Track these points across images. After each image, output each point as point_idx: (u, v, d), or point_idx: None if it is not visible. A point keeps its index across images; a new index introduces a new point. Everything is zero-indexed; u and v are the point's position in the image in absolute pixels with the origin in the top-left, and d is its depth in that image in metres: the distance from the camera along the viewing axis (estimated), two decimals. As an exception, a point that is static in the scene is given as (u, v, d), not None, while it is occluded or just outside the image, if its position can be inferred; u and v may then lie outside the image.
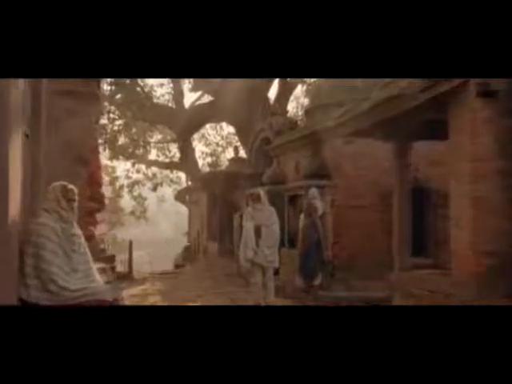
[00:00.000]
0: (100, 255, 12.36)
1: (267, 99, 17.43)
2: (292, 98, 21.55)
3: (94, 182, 6.25)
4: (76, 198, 3.55)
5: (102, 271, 7.27)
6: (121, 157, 22.72)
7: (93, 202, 6.26)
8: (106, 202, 24.98)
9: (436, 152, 9.26)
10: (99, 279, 3.59)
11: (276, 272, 7.20)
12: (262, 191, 7.10)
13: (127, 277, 11.23)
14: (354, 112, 6.80)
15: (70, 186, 3.53)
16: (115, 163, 24.03)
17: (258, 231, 6.78)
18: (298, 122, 12.36)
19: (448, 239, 9.67)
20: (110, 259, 12.73)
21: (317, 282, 8.29)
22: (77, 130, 5.73)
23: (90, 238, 6.44)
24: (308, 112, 11.10)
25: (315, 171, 9.33)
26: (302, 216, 8.62)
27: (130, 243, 12.70)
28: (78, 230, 3.54)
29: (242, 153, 17.02)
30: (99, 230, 22.51)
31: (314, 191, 8.58)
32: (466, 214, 5.30)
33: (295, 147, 10.54)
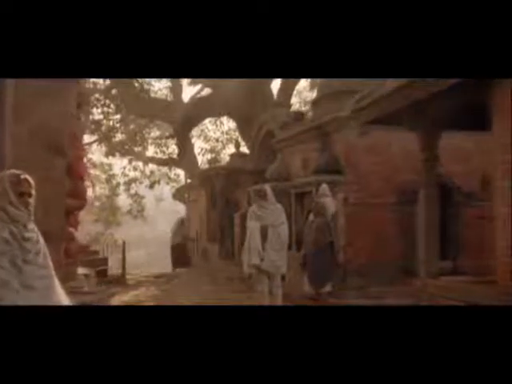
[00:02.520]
0: (92, 257, 11.58)
1: (270, 91, 16.63)
2: (295, 92, 20.78)
3: (74, 175, 5.41)
4: (32, 191, 2.69)
5: (85, 278, 6.48)
6: (117, 154, 21.95)
7: (73, 199, 5.41)
8: (104, 199, 24.25)
9: (460, 146, 8.47)
10: (63, 299, 2.73)
11: (282, 278, 6.44)
12: (268, 187, 6.33)
13: (120, 281, 10.38)
14: (374, 97, 5.93)
15: (24, 176, 2.66)
16: (111, 160, 23.28)
17: (263, 233, 6.04)
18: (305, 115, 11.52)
19: (472, 242, 8.93)
20: (103, 262, 11.93)
21: (327, 288, 7.49)
22: (50, 115, 4.96)
23: (69, 240, 5.60)
24: (316, 102, 10.22)
25: (326, 166, 8.53)
26: (310, 215, 7.85)
27: (124, 244, 11.80)
28: (34, 234, 2.68)
29: (244, 149, 16.28)
30: (94, 229, 21.80)
31: (324, 188, 7.79)
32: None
33: (302, 140, 9.70)
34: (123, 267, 11.19)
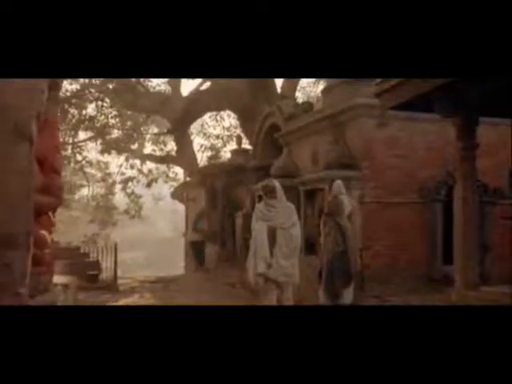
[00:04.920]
0: (82, 260, 10.70)
1: (273, 84, 15.83)
2: (298, 87, 19.99)
3: (47, 167, 4.52)
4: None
5: (63, 289, 5.62)
6: (113, 151, 21.14)
7: (45, 196, 4.49)
8: (99, 198, 23.37)
9: (484, 138, 7.67)
10: None
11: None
12: (277, 182, 5.48)
13: (110, 287, 9.50)
14: (399, 78, 5.06)
15: None
16: (107, 158, 22.50)
17: (271, 235, 5.20)
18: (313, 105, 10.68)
19: (497, 244, 8.07)
20: (94, 265, 11.05)
21: (347, 300, 6.59)
22: (12, 89, 4.06)
23: (41, 245, 4.65)
24: (326, 90, 9.38)
25: (339, 160, 7.71)
26: (323, 215, 7.00)
27: (115, 246, 10.84)
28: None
29: (247, 145, 15.49)
30: (89, 230, 20.96)
31: (339, 184, 6.92)
32: None
33: (312, 132, 8.88)
34: (115, 272, 10.30)
